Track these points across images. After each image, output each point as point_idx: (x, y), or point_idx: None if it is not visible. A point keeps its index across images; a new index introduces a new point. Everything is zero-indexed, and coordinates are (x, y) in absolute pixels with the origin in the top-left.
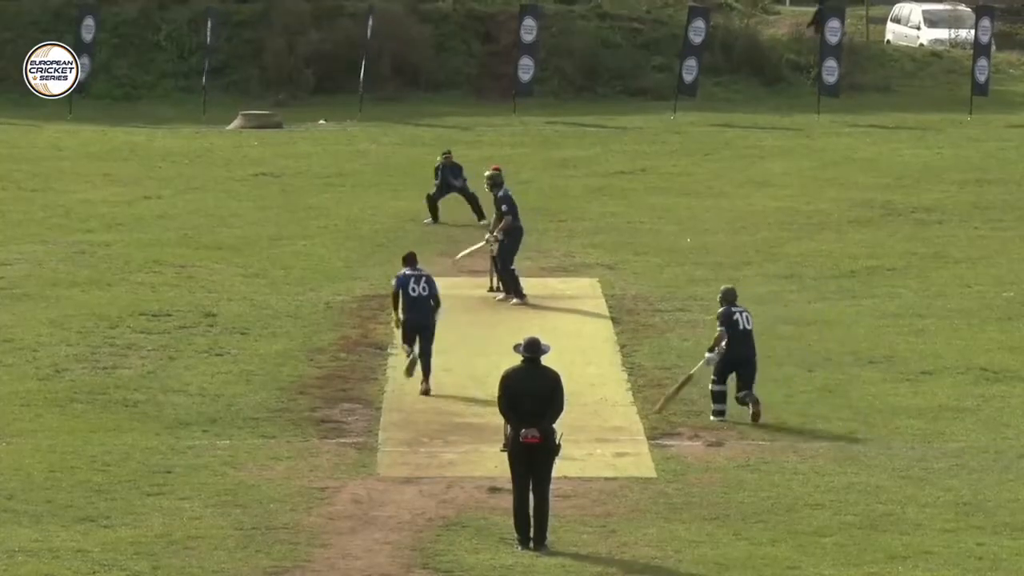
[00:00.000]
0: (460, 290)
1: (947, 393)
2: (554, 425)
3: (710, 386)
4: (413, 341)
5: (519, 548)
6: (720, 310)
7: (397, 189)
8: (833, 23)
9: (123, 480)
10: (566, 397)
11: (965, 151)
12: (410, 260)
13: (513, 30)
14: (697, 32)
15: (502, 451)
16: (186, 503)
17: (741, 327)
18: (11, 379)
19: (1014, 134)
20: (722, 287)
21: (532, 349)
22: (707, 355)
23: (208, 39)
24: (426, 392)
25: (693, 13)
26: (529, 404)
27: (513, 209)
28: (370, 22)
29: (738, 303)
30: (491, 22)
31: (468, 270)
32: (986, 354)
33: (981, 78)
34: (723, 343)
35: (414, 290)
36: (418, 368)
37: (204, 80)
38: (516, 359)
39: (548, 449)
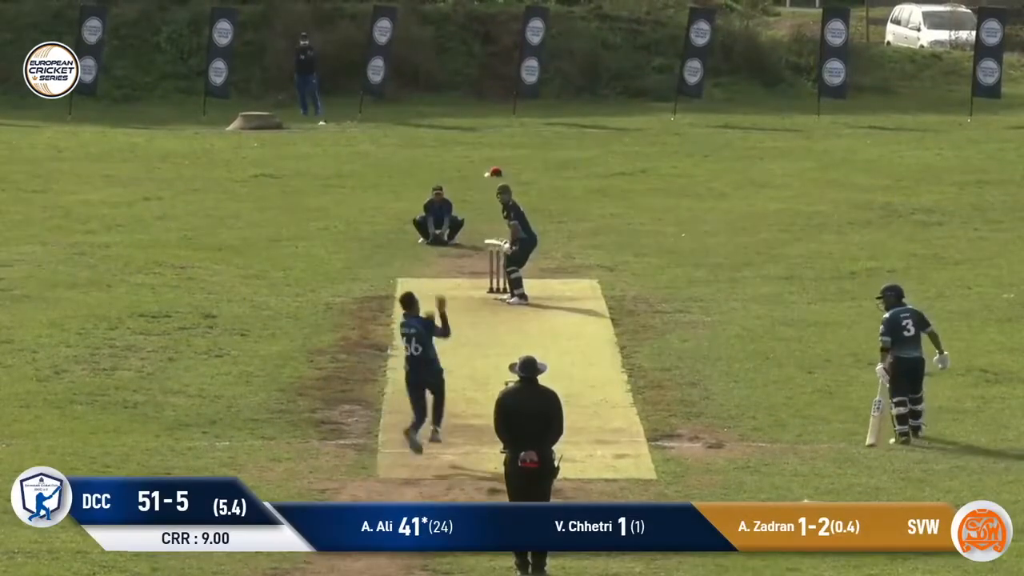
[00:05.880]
0: (460, 291)
1: (947, 395)
2: (552, 447)
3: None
4: None
5: (518, 574)
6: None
7: (397, 190)
8: (836, 24)
9: None
10: (565, 400)
11: (965, 152)
12: None
13: (514, 31)
14: (700, 34)
15: (502, 452)
16: None
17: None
18: (11, 380)
19: (1014, 135)
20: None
21: (528, 369)
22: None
23: (216, 39)
24: None
25: (696, 15)
26: (527, 426)
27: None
28: (389, 24)
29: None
30: (492, 23)
31: (469, 271)
32: (986, 355)
33: (990, 80)
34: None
35: None
36: None
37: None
38: (515, 358)
39: (546, 472)
